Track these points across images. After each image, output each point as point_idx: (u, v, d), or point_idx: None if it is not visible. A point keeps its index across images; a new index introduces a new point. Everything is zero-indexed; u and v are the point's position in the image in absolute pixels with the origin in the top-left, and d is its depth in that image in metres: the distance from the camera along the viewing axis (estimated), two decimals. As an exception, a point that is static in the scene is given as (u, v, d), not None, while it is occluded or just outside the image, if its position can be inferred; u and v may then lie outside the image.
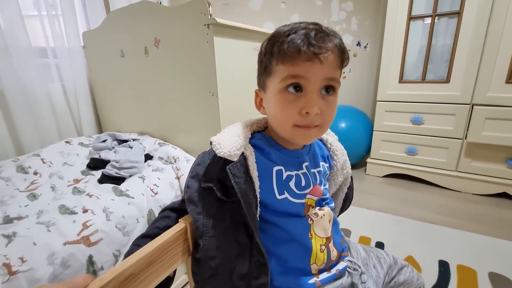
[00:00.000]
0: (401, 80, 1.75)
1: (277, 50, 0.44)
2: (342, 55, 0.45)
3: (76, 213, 0.84)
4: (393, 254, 0.63)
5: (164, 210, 0.57)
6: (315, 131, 0.47)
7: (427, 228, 1.36)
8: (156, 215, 0.97)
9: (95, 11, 1.84)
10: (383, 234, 1.30)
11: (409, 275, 0.61)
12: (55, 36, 1.59)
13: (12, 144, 1.46)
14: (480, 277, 1.04)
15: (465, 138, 1.63)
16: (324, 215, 0.53)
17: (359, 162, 2.14)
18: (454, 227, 1.35)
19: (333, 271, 0.53)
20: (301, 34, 0.42)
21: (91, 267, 0.76)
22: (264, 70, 0.48)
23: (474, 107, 1.56)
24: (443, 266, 1.09)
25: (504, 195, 1.61)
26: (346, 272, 0.55)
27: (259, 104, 0.54)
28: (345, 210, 0.70)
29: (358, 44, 2.23)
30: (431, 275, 1.05)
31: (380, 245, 1.23)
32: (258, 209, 0.48)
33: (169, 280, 0.53)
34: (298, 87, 0.44)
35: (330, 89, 0.46)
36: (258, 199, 0.48)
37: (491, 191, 1.63)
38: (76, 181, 1.10)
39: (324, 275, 0.52)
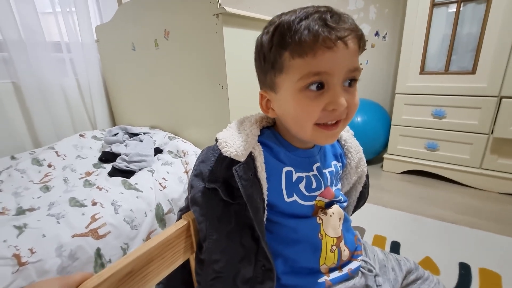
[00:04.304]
0: (422, 71, 1.66)
1: (290, 40, 0.37)
2: (361, 34, 0.39)
3: (86, 205, 0.84)
4: (414, 260, 0.58)
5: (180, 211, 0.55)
6: (340, 127, 0.42)
7: (447, 228, 1.28)
8: (164, 209, 0.97)
9: (107, 3, 1.85)
10: (399, 234, 1.24)
11: (434, 286, 0.55)
12: (69, 31, 1.61)
13: (30, 137, 1.50)
14: (505, 282, 0.97)
15: (492, 133, 1.52)
16: (333, 213, 0.50)
17: (375, 157, 2.06)
18: (477, 228, 1.27)
19: (345, 270, 0.50)
20: (316, 18, 0.36)
21: (99, 260, 0.76)
22: (272, 66, 0.41)
23: (503, 99, 1.45)
24: (464, 269, 1.03)
25: (533, 194, 1.50)
26: (360, 272, 0.51)
27: (266, 107, 0.48)
28: (359, 208, 0.66)
29: (377, 34, 2.13)
30: (451, 278, 0.99)
31: (395, 244, 1.18)
32: (265, 212, 0.46)
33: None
34: (320, 84, 0.39)
35: (353, 80, 0.41)
36: (266, 202, 0.45)
37: (519, 190, 1.52)
38: (88, 173, 1.11)
39: (335, 274, 0.49)
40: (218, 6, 0.96)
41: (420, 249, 1.14)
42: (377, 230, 1.27)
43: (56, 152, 1.23)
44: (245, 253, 0.45)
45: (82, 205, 0.84)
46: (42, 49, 1.49)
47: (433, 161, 1.75)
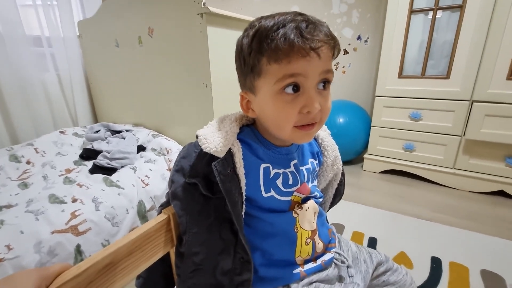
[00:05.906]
0: (400, 75, 1.73)
1: (267, 47, 0.40)
2: (335, 43, 0.42)
3: (66, 202, 0.83)
4: (385, 253, 0.62)
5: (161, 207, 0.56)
6: (315, 129, 0.45)
7: (422, 224, 1.35)
8: (147, 206, 0.97)
9: (91, -1, 1.81)
10: (377, 230, 1.29)
11: (402, 278, 0.59)
12: (50, 25, 1.57)
13: (7, 133, 1.45)
14: (472, 274, 1.03)
15: (464, 135, 1.61)
16: (308, 208, 0.52)
17: (356, 157, 2.12)
18: (449, 224, 1.34)
19: (319, 261, 0.52)
20: (292, 28, 0.38)
21: (79, 256, 0.76)
22: (251, 70, 0.43)
23: (474, 103, 1.54)
24: (435, 263, 1.09)
25: (500, 193, 1.59)
26: (333, 263, 0.54)
27: (247, 107, 0.50)
28: (335, 204, 0.69)
29: (359, 38, 2.19)
30: (423, 271, 1.05)
31: (373, 240, 1.23)
32: (244, 206, 0.47)
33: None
34: (295, 87, 0.41)
35: (326, 82, 0.44)
36: (244, 197, 0.47)
37: (488, 189, 1.62)
38: (68, 171, 1.09)
39: (310, 265, 0.52)
40: (202, 6, 0.97)
41: (396, 244, 1.20)
42: (356, 226, 1.32)
43: (35, 149, 1.20)
44: (224, 246, 0.46)
45: (62, 202, 0.83)
46: (22, 43, 1.44)
47: (410, 161, 1.83)
